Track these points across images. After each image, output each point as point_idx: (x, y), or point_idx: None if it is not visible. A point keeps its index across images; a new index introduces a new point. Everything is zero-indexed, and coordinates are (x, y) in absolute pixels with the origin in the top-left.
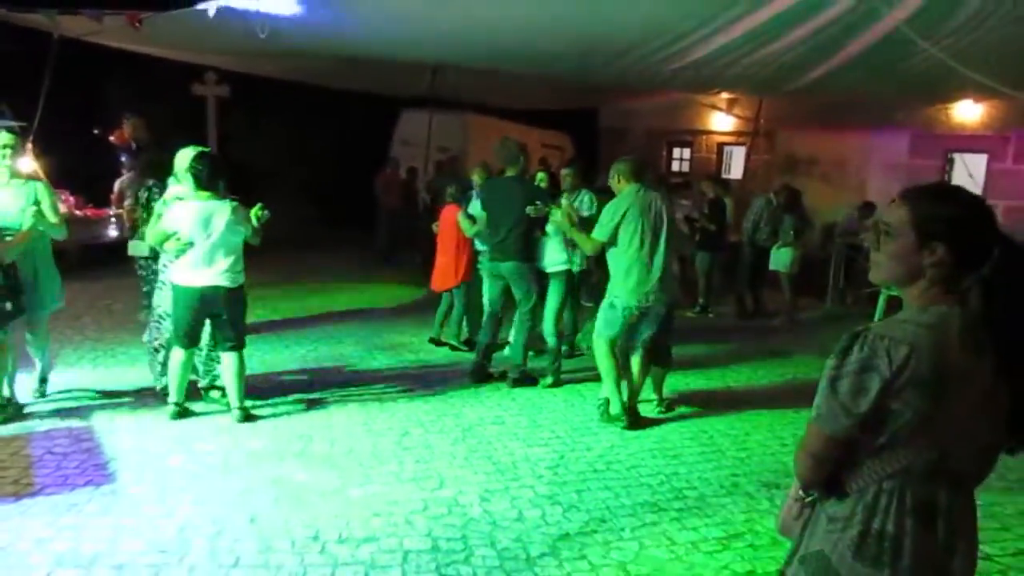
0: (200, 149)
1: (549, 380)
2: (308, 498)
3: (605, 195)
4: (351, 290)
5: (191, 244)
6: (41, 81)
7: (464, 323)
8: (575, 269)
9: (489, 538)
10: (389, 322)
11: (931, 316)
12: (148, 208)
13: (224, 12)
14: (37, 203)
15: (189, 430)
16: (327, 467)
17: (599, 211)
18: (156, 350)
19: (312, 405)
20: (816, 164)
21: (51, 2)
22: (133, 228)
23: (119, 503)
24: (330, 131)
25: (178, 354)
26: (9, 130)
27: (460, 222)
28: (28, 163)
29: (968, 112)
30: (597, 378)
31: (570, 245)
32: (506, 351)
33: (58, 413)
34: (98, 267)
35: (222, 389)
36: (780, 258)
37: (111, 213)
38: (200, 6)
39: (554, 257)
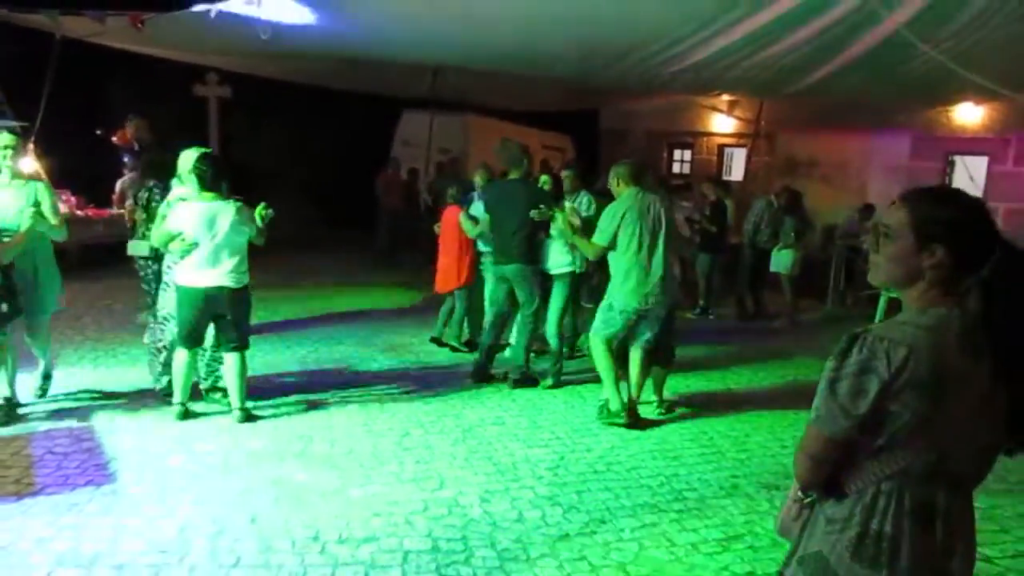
0: (204, 150)
1: (550, 381)
2: (308, 498)
3: (605, 198)
4: (352, 291)
5: (196, 245)
6: (43, 82)
7: (465, 324)
8: (577, 271)
9: (489, 539)
10: (390, 323)
11: (930, 318)
12: (148, 209)
13: (226, 15)
14: (37, 204)
15: (190, 430)
16: (327, 467)
17: (598, 213)
18: (158, 351)
19: (312, 406)
20: (817, 166)
21: (53, 3)
22: (133, 228)
23: (120, 503)
24: (331, 132)
25: (182, 354)
26: (10, 131)
27: (462, 223)
28: (30, 163)
29: (969, 114)
30: (597, 380)
31: (573, 247)
32: (507, 352)
33: (59, 413)
34: (99, 267)
35: (223, 390)
36: (781, 260)
37: (112, 213)
38: (201, 7)
39: (558, 259)
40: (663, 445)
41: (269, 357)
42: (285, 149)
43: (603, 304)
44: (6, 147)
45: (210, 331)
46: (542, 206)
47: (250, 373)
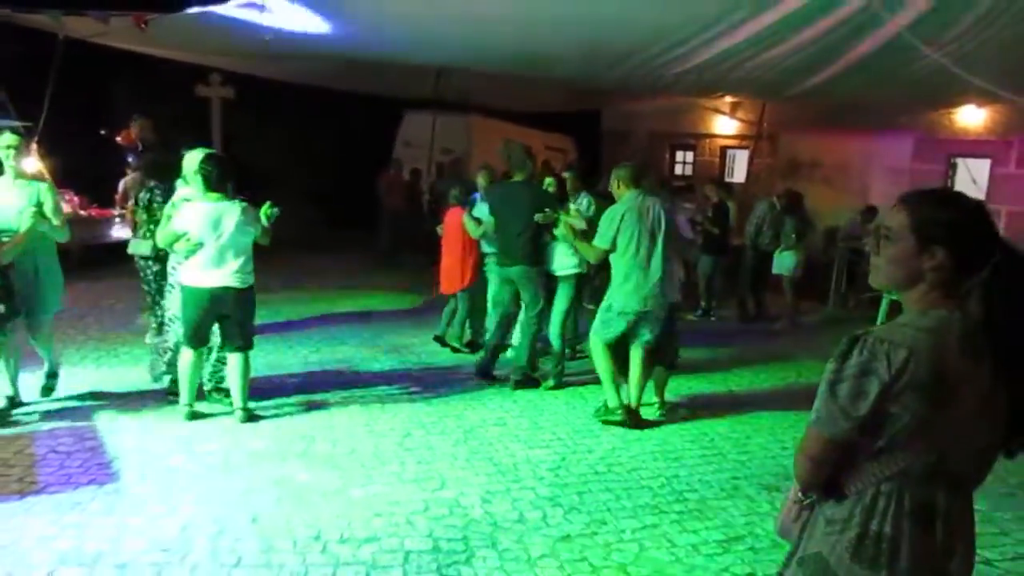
0: (209, 151)
1: (551, 382)
2: (310, 498)
3: (607, 199)
4: (354, 292)
5: (201, 245)
6: (46, 82)
7: (467, 325)
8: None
9: (490, 539)
10: (391, 324)
11: (930, 320)
12: (149, 210)
13: (231, 19)
14: (39, 204)
15: (192, 430)
16: (329, 467)
17: (598, 214)
18: (163, 352)
19: (314, 406)
20: (819, 168)
21: (56, 3)
22: (135, 228)
23: (122, 502)
24: (334, 132)
25: (188, 355)
26: (13, 131)
27: (466, 224)
28: (33, 163)
29: (971, 117)
30: (599, 381)
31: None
32: (509, 353)
33: (62, 412)
34: (101, 267)
35: (225, 391)
36: (783, 262)
37: (115, 213)
38: (203, 8)
39: (563, 261)
40: (664, 446)
41: (271, 357)
42: (287, 150)
43: (603, 305)
44: (9, 147)
45: (215, 332)
46: (547, 209)
47: (252, 373)
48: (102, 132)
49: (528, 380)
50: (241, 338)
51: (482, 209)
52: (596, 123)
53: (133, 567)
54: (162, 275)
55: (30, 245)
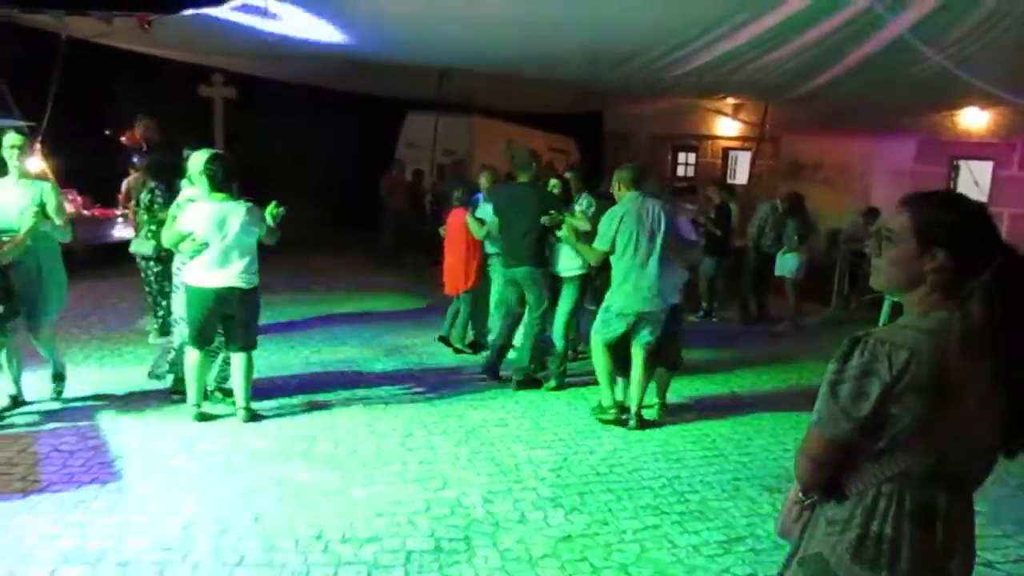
0: (214, 151)
1: (553, 383)
2: (312, 498)
3: (609, 201)
4: (356, 292)
5: (206, 245)
6: (49, 82)
7: (469, 326)
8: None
9: (492, 539)
10: (393, 324)
11: (931, 321)
12: (150, 211)
13: (234, 16)
14: (42, 204)
15: (195, 430)
16: (331, 467)
17: (598, 214)
18: (167, 351)
19: (316, 406)
20: (821, 169)
21: (60, 3)
22: (136, 228)
23: (125, 501)
24: (336, 133)
25: (193, 355)
26: (18, 130)
27: (469, 225)
28: (36, 163)
29: (974, 119)
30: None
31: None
32: (511, 354)
33: (64, 411)
34: (105, 266)
35: (228, 391)
36: (785, 264)
37: (118, 213)
38: (204, 11)
39: (568, 262)
40: (666, 447)
41: (273, 358)
42: (290, 150)
43: (603, 305)
44: (13, 146)
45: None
46: (552, 211)
47: (254, 374)
48: (107, 132)
49: (530, 381)
50: (245, 338)
51: (485, 210)
52: (598, 125)
53: (135, 566)
54: (163, 275)
55: (33, 244)
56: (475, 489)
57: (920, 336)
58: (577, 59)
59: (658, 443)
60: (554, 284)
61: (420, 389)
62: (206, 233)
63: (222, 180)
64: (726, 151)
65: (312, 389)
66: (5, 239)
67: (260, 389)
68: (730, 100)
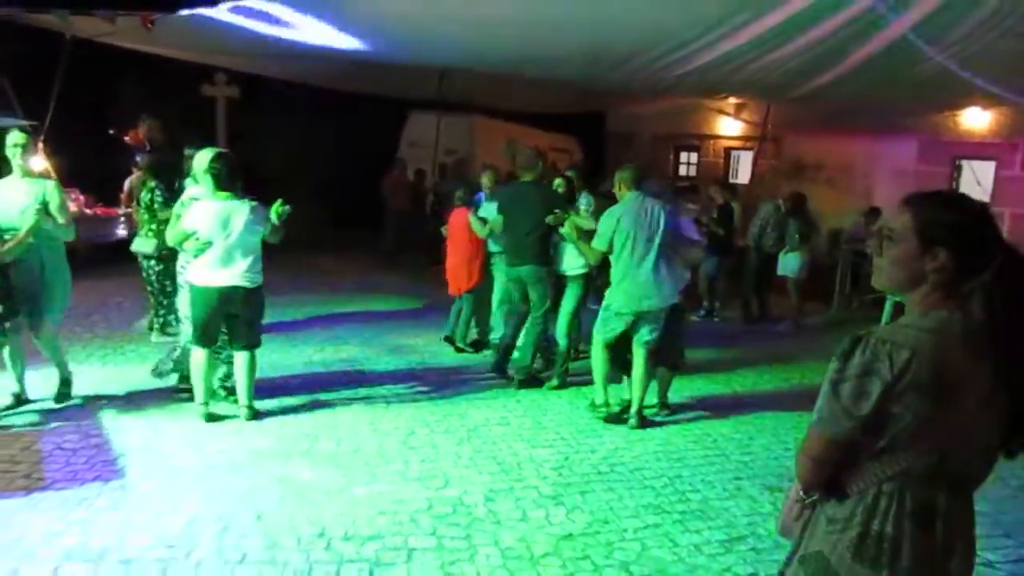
0: (218, 150)
1: (555, 382)
2: (314, 496)
3: (610, 200)
4: (357, 291)
5: (209, 244)
6: (53, 81)
7: (472, 325)
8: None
9: (493, 537)
10: (395, 324)
11: (932, 321)
12: (150, 210)
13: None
14: (45, 202)
15: (197, 428)
16: (333, 466)
17: (596, 213)
18: (172, 349)
19: (318, 405)
20: (823, 169)
21: (63, 3)
22: (138, 227)
23: (128, 499)
24: (338, 132)
25: (199, 354)
26: (21, 129)
27: (471, 224)
28: (39, 162)
29: (976, 119)
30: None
31: None
32: (514, 353)
33: (67, 410)
34: (107, 265)
35: (230, 389)
36: (787, 263)
37: (121, 212)
38: (207, 10)
39: (572, 261)
40: (667, 446)
41: (275, 357)
42: (292, 149)
43: (603, 304)
44: (16, 145)
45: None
46: (557, 210)
47: (258, 373)
48: (111, 131)
49: (532, 380)
50: (249, 337)
51: (488, 209)
52: (601, 124)
53: (138, 563)
54: (164, 274)
55: (36, 243)
56: (477, 487)
57: (921, 335)
58: (577, 59)
59: (659, 442)
60: (558, 283)
61: (422, 388)
62: (210, 232)
63: (226, 179)
64: (728, 151)
65: (314, 388)
66: (7, 237)
67: (262, 388)
68: (732, 100)
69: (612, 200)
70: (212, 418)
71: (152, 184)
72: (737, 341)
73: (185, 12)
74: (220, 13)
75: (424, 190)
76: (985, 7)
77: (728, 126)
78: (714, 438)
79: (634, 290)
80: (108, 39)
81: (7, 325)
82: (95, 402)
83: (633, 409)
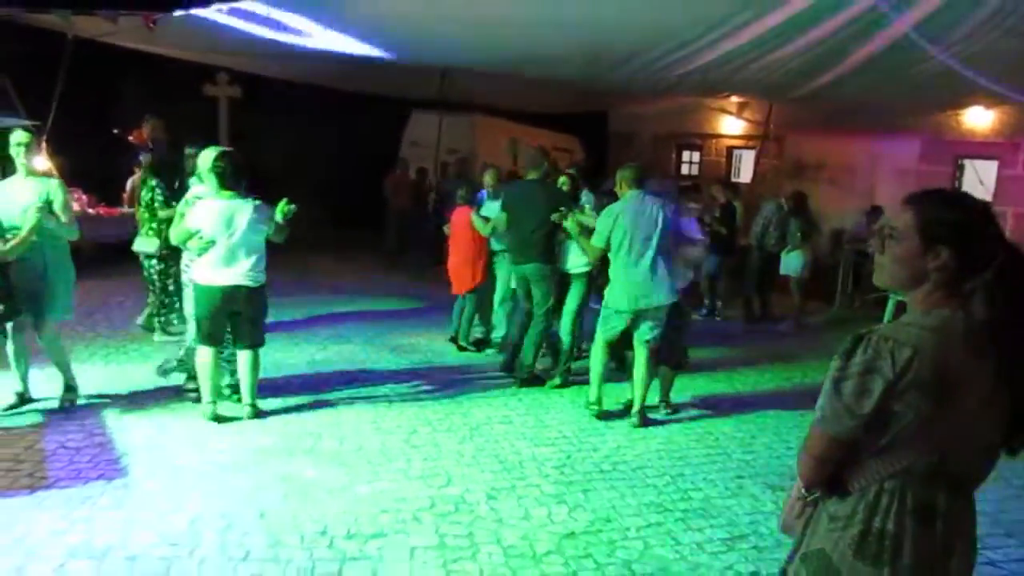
0: (223, 148)
1: (557, 381)
2: (317, 494)
3: (612, 198)
4: (360, 291)
5: (212, 243)
6: (55, 81)
7: (474, 324)
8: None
9: (495, 536)
10: (397, 323)
11: (934, 319)
12: (151, 209)
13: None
14: (49, 201)
15: (200, 427)
16: (336, 464)
17: (599, 212)
18: (181, 347)
19: (321, 404)
20: (825, 168)
21: (65, 3)
22: (139, 225)
23: (131, 497)
24: (340, 132)
25: (205, 353)
26: (25, 129)
27: (474, 223)
28: (43, 162)
29: (978, 118)
30: (603, 379)
31: None
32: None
33: (71, 409)
34: (110, 265)
35: (233, 387)
36: (790, 262)
37: (123, 212)
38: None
39: (576, 259)
40: (669, 445)
41: (278, 356)
42: (294, 149)
43: (603, 303)
44: (19, 144)
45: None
46: (562, 208)
47: (261, 372)
48: (115, 131)
49: (534, 378)
50: (252, 336)
51: (490, 207)
52: (603, 124)
53: (142, 560)
54: (165, 273)
55: (39, 242)
56: (479, 486)
57: (923, 334)
58: (578, 59)
59: (661, 441)
60: (562, 281)
61: (424, 387)
62: (213, 231)
63: (230, 177)
64: (730, 150)
65: (317, 387)
66: (9, 236)
67: (265, 387)
68: (734, 99)
69: (615, 199)
70: (220, 419)
71: (153, 183)
72: (739, 340)
73: (186, 12)
74: (221, 16)
75: (426, 189)
76: (986, 7)
77: (730, 125)
78: (716, 437)
79: (631, 288)
80: (110, 39)
81: (7, 325)
82: (98, 401)
83: (635, 408)
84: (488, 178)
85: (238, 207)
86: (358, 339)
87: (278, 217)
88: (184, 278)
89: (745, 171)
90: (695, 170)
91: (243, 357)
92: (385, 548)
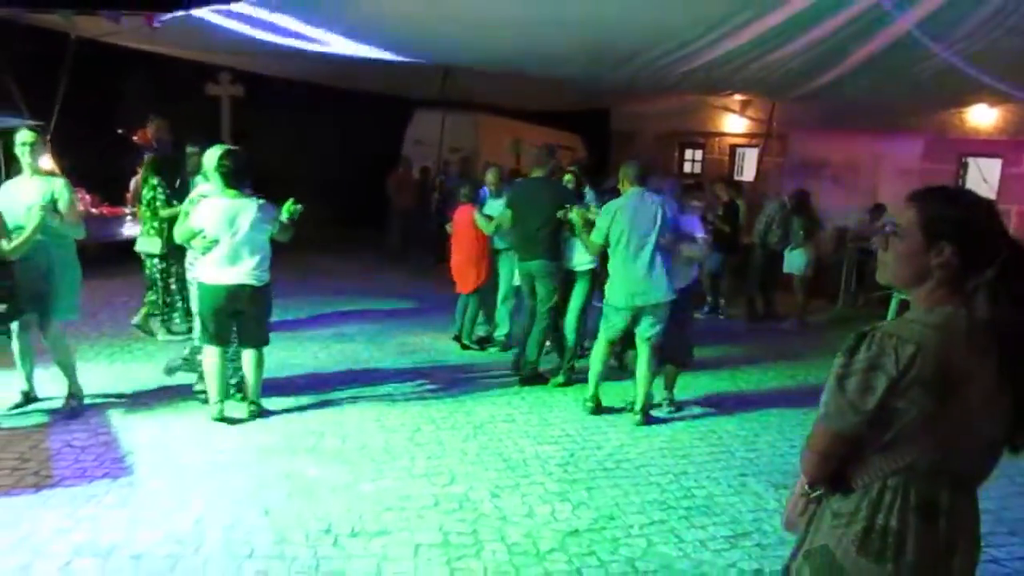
0: (227, 147)
1: (560, 379)
2: (321, 493)
3: (613, 195)
4: (363, 290)
5: (216, 242)
6: (58, 81)
7: (477, 322)
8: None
9: (499, 533)
10: (400, 321)
11: (937, 316)
12: (152, 207)
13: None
14: (54, 200)
15: (205, 425)
16: (340, 462)
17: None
18: (186, 347)
19: (324, 402)
20: (828, 167)
21: (68, 3)
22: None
23: (136, 495)
24: (343, 130)
25: (211, 353)
26: (30, 128)
27: (477, 221)
28: (47, 161)
29: (982, 117)
30: (606, 378)
31: None
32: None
33: (74, 412)
34: (114, 264)
35: (237, 385)
36: (793, 261)
37: (127, 211)
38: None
39: (581, 256)
40: (672, 443)
41: (282, 354)
42: (297, 148)
43: (604, 300)
44: (25, 143)
45: None
46: (567, 205)
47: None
48: (119, 131)
49: (536, 376)
50: (256, 335)
51: (493, 206)
52: (605, 122)
53: (147, 558)
54: (168, 272)
55: (44, 241)
56: (483, 484)
57: (926, 331)
58: (580, 58)
59: (665, 439)
60: (567, 279)
61: (428, 385)
62: (216, 230)
63: (235, 176)
64: (733, 148)
65: (320, 385)
66: (15, 236)
67: (268, 385)
68: (737, 97)
69: (615, 195)
70: (225, 419)
71: (154, 181)
72: (742, 338)
73: (186, 13)
74: (222, 19)
75: (429, 188)
76: (988, 5)
77: (733, 123)
78: (719, 435)
79: (629, 286)
80: (112, 39)
81: (9, 325)
82: (103, 400)
83: (637, 406)
84: (490, 177)
85: (242, 206)
86: (361, 338)
87: (284, 217)
88: (189, 276)
89: (748, 169)
90: (698, 168)
91: (247, 356)
92: (389, 546)
